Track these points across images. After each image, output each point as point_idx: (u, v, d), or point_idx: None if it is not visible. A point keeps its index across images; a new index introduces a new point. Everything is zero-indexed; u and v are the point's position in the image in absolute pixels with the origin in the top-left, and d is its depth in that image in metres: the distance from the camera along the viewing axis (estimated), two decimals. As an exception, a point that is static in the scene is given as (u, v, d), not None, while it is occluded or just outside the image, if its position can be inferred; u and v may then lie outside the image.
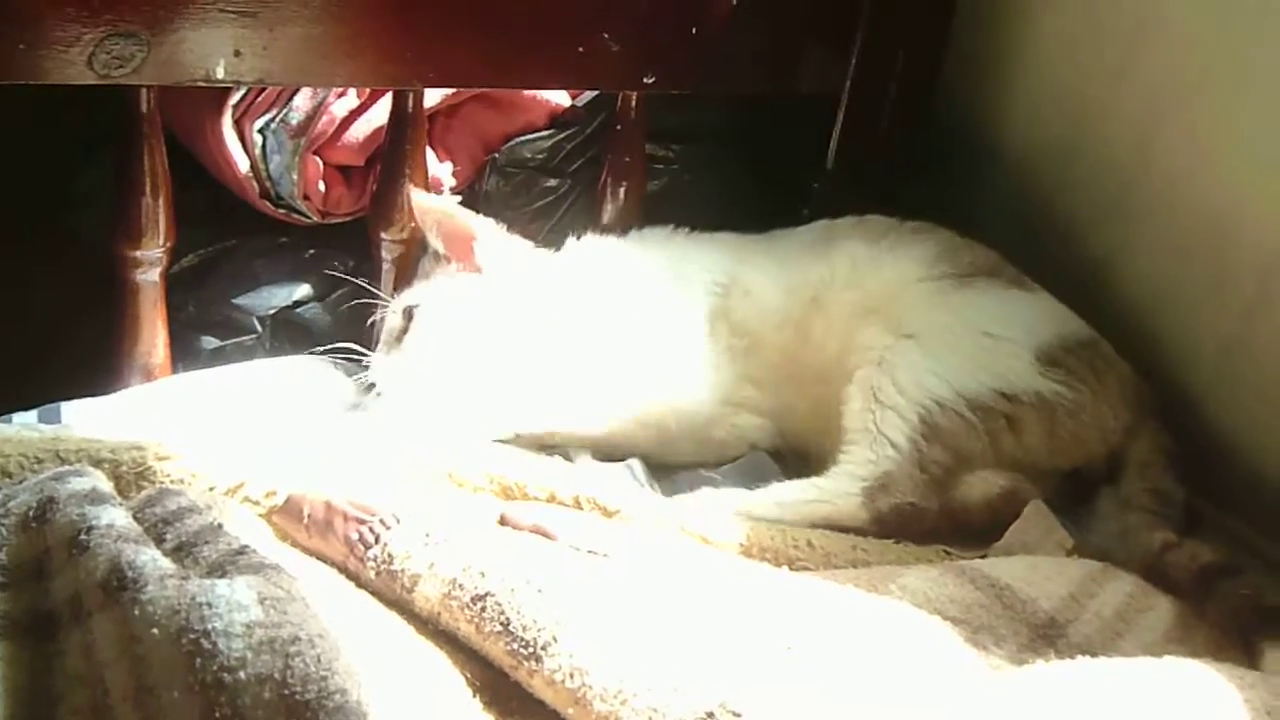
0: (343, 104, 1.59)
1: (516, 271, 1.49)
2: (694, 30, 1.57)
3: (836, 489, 1.30)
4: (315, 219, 1.63)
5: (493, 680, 0.89)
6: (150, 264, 1.44)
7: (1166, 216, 1.47)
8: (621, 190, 1.68)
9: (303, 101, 1.55)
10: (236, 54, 1.37)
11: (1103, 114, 1.57)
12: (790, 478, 1.42)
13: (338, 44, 1.42)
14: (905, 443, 1.30)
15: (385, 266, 1.58)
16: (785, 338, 1.47)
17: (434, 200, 1.53)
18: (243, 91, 1.52)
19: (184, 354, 1.55)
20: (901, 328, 1.38)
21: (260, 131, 1.54)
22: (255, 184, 1.57)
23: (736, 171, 1.83)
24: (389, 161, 1.55)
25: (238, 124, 1.54)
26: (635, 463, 1.42)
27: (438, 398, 1.40)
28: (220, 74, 1.37)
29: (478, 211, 1.55)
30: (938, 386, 1.32)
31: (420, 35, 1.46)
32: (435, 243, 1.51)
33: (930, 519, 1.28)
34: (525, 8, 1.50)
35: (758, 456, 1.47)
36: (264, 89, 1.52)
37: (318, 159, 1.60)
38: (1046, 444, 1.33)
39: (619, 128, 1.66)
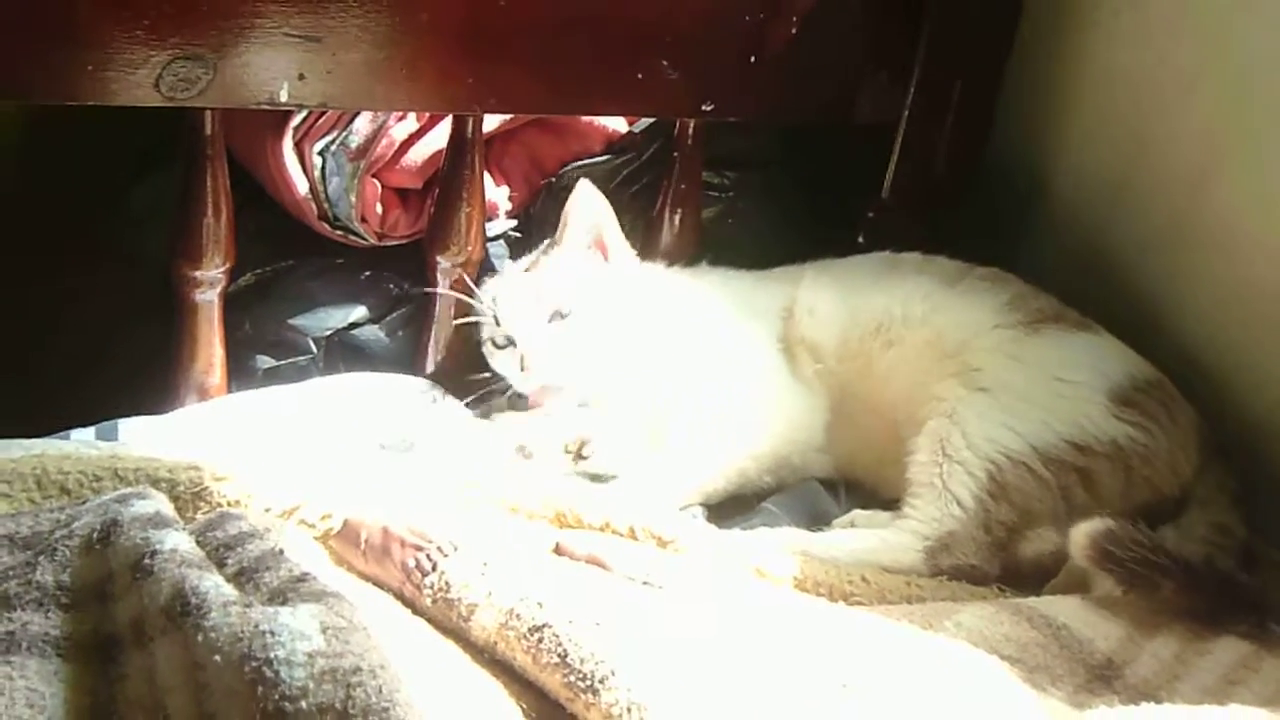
0: (402, 127, 1.60)
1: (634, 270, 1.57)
2: (752, 59, 1.57)
3: (899, 543, 1.28)
4: (372, 241, 1.64)
5: (549, 712, 0.89)
6: (209, 284, 1.46)
7: (1223, 250, 1.46)
8: (677, 217, 1.69)
9: (363, 125, 1.56)
10: (300, 77, 1.39)
11: (1159, 147, 1.55)
12: (842, 507, 1.43)
13: (400, 68, 1.43)
14: (971, 501, 1.29)
15: (441, 289, 1.59)
16: (845, 368, 1.47)
17: None
18: (304, 114, 1.53)
19: (239, 373, 1.56)
20: (975, 380, 1.36)
21: (320, 154, 1.55)
22: (314, 205, 1.58)
23: (791, 199, 1.83)
24: (447, 185, 1.56)
25: (298, 146, 1.56)
26: (688, 493, 1.42)
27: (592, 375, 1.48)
28: (284, 97, 1.39)
29: (531, 236, 1.61)
30: (1009, 439, 1.30)
31: (481, 61, 1.46)
32: (578, 228, 1.53)
33: (990, 580, 1.27)
34: (585, 35, 1.51)
35: (810, 485, 1.47)
36: (325, 112, 1.53)
37: (376, 182, 1.62)
38: (1121, 491, 1.31)
39: (676, 154, 1.66)
